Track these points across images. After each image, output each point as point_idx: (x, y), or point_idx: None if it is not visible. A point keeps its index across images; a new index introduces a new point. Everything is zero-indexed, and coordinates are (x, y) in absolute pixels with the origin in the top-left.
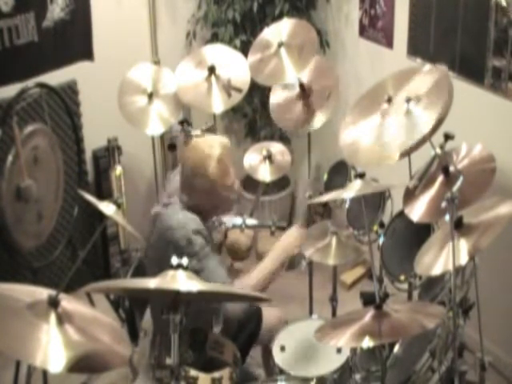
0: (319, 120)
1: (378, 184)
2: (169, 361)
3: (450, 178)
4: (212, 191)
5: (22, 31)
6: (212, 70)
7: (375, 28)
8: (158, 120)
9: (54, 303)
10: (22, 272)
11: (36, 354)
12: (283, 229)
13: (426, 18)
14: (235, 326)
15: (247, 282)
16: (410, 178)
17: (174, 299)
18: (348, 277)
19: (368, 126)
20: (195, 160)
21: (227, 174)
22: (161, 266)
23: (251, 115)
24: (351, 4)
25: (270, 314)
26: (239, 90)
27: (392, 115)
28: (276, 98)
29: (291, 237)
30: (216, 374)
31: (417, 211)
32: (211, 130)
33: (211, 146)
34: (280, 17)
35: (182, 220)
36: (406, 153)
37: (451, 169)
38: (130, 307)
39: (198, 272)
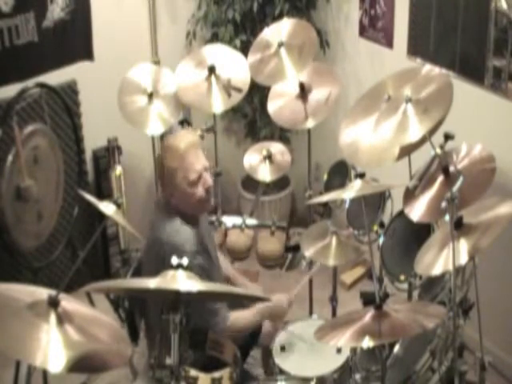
0: (317, 119)
1: (378, 184)
2: (169, 361)
3: (450, 178)
4: (173, 183)
5: (21, 31)
6: (212, 69)
7: (375, 28)
8: (158, 120)
9: (54, 303)
10: (22, 272)
11: (36, 354)
12: (283, 229)
13: (426, 18)
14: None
15: (235, 323)
16: (410, 178)
17: (173, 299)
18: (348, 277)
19: (368, 125)
20: (160, 152)
21: (189, 170)
22: (157, 270)
23: (251, 115)
24: (351, 4)
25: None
26: (239, 90)
27: (391, 115)
28: (275, 97)
29: (282, 302)
30: (216, 374)
31: (417, 211)
32: (211, 130)
33: (178, 139)
34: (280, 17)
35: (179, 238)
36: (405, 153)
37: (451, 169)
38: (130, 307)
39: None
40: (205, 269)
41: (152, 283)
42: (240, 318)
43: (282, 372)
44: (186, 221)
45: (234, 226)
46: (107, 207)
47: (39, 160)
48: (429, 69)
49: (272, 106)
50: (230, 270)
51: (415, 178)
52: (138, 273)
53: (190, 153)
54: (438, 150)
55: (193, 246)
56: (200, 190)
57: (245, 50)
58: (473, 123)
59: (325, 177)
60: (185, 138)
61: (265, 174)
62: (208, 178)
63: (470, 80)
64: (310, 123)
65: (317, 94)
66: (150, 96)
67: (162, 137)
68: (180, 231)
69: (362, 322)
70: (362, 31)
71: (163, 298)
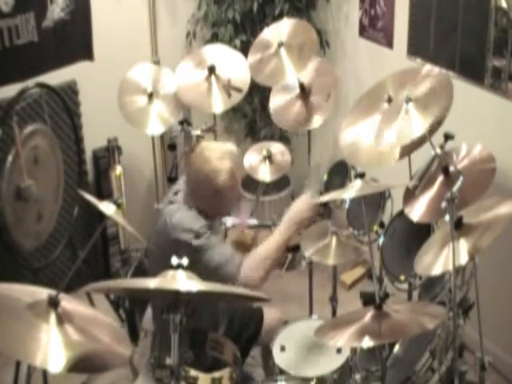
0: (318, 120)
1: (378, 184)
2: (169, 361)
3: (450, 178)
4: (219, 197)
5: (21, 31)
6: (212, 69)
7: (375, 28)
8: (158, 120)
9: (54, 303)
10: (22, 272)
11: (36, 354)
12: None
13: (426, 18)
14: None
15: (259, 253)
16: (410, 178)
17: (174, 299)
18: (348, 277)
19: (368, 126)
20: (204, 172)
21: (236, 183)
22: (165, 261)
23: (251, 115)
24: (351, 4)
25: (269, 314)
26: (239, 90)
27: (391, 115)
28: (276, 98)
29: (300, 205)
30: (216, 374)
31: (417, 211)
32: (211, 130)
33: (221, 158)
34: (280, 17)
35: (187, 218)
36: (406, 153)
37: (451, 169)
38: (130, 307)
39: (202, 250)
40: (215, 244)
41: (152, 283)
42: (261, 248)
43: (282, 372)
44: (203, 216)
45: (234, 226)
46: (107, 207)
47: (39, 160)
48: (429, 69)
49: (273, 107)
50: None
51: (415, 178)
52: (138, 273)
53: (236, 167)
54: (438, 150)
55: (202, 228)
56: (237, 190)
57: (245, 50)
58: (473, 123)
59: (325, 177)
60: (226, 153)
61: (265, 173)
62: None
63: (469, 80)
64: (313, 124)
65: (317, 94)
66: (150, 96)
67: (162, 137)
68: (192, 217)
69: (362, 322)
70: (362, 31)
71: (163, 298)
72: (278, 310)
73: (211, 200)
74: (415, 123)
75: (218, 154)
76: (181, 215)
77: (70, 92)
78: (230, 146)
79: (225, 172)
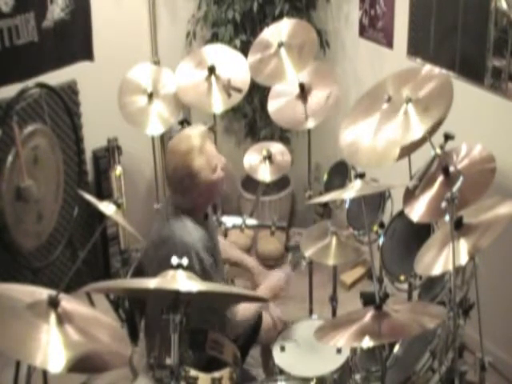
0: (317, 120)
1: (378, 184)
2: (169, 361)
3: (450, 178)
4: (202, 181)
5: (21, 31)
6: (212, 70)
7: (375, 28)
8: (158, 120)
9: (54, 303)
10: (22, 272)
11: (36, 354)
12: (283, 229)
13: (426, 18)
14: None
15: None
16: (410, 178)
17: (174, 299)
18: (348, 277)
19: (368, 125)
20: (178, 160)
21: (211, 159)
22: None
23: (251, 115)
24: (351, 4)
25: (268, 314)
26: (239, 90)
27: (392, 115)
28: (275, 98)
29: (277, 279)
30: (216, 374)
31: (417, 211)
32: (211, 130)
33: (187, 139)
34: (280, 17)
35: (191, 238)
36: (405, 153)
37: (451, 169)
38: (129, 307)
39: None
40: (213, 268)
41: (152, 283)
42: (246, 308)
43: (282, 372)
44: (197, 221)
45: (234, 226)
46: (107, 207)
47: (39, 160)
48: (429, 69)
49: (272, 106)
50: (231, 252)
51: (415, 178)
52: (138, 273)
53: (206, 143)
54: (438, 150)
55: (205, 245)
56: (220, 172)
57: (245, 49)
58: (473, 123)
59: (325, 177)
60: (195, 133)
61: (265, 174)
62: (221, 157)
63: (470, 80)
64: (310, 124)
65: (317, 95)
66: (150, 96)
67: (162, 137)
68: (192, 232)
69: (362, 322)
70: (362, 31)
71: (163, 298)
72: (278, 309)
73: (196, 186)
74: (415, 124)
75: (183, 138)
76: (192, 238)
77: (70, 92)
78: (196, 127)
79: (195, 151)
